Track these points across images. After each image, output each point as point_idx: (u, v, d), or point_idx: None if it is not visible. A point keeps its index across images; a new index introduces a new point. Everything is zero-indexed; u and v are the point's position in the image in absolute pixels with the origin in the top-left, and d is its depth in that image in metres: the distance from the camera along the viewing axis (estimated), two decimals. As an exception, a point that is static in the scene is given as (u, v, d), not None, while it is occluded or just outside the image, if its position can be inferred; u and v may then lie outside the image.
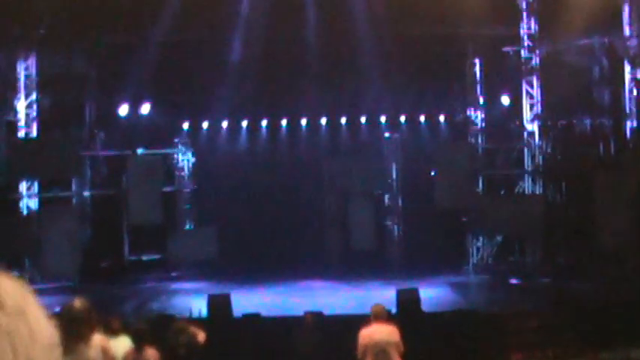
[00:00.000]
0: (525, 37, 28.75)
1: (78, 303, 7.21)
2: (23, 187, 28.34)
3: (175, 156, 31.58)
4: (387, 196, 31.68)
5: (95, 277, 27.29)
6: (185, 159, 31.77)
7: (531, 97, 28.99)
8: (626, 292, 20.91)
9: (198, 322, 13.27)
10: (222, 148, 32.20)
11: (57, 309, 8.49)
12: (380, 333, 11.77)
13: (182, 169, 31.77)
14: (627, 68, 27.44)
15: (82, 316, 7.11)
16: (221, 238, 29.38)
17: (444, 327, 19.01)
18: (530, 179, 29.38)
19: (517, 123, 29.70)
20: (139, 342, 10.59)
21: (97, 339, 7.32)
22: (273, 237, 30.43)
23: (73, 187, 29.44)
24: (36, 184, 28.49)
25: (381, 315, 11.97)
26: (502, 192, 30.30)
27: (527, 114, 29.16)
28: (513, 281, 27.53)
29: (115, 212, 29.44)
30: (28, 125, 28.31)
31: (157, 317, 18.09)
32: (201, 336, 11.06)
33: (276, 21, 27.22)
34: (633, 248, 26.21)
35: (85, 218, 29.45)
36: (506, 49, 29.59)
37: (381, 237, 30.87)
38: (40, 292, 1.61)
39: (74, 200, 29.63)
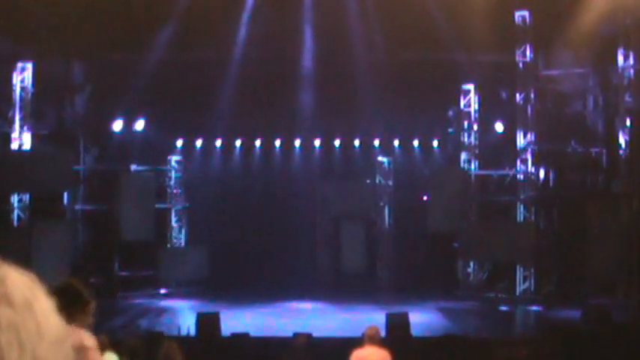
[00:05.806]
0: (520, 64, 28.82)
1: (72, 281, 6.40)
2: (15, 199, 28.26)
3: (168, 173, 31.57)
4: (378, 220, 31.66)
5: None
6: (178, 176, 31.75)
7: (525, 124, 29.01)
8: (616, 320, 20.85)
9: (187, 340, 13.21)
10: (215, 167, 32.19)
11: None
12: (373, 356, 11.08)
13: (174, 186, 31.74)
14: (621, 97, 27.49)
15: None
16: (212, 256, 29.42)
17: (433, 352, 18.92)
18: (522, 206, 29.37)
19: (510, 150, 29.73)
20: (132, 358, 10.49)
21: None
22: (264, 257, 30.39)
23: (65, 201, 29.39)
24: (28, 197, 28.39)
25: (376, 338, 11.22)
26: (494, 218, 30.29)
27: (520, 141, 29.19)
28: (503, 308, 27.49)
29: (106, 228, 29.35)
30: (21, 137, 28.27)
31: (145, 334, 18.00)
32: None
33: (272, 43, 27.30)
34: (623, 276, 26.26)
35: (76, 233, 29.39)
36: (501, 75, 29.65)
37: (372, 260, 30.85)
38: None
39: (66, 214, 29.55)
